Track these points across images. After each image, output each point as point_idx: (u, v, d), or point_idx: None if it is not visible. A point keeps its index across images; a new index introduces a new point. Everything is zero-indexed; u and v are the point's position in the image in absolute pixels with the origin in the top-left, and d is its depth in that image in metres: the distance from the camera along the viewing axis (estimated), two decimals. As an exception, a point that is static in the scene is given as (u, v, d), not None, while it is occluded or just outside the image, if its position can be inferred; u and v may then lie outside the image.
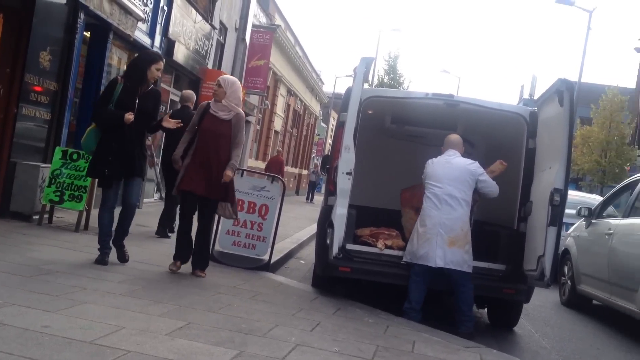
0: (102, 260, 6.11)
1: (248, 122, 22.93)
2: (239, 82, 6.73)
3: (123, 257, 6.34)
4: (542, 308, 8.54)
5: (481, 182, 6.31)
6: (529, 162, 6.65)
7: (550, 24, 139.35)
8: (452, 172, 6.22)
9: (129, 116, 5.96)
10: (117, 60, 11.96)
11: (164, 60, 6.47)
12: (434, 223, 6.08)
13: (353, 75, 6.79)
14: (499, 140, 7.63)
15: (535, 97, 7.81)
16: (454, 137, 6.60)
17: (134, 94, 6.08)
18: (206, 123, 6.28)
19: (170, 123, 6.23)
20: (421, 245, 6.09)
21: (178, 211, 6.85)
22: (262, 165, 25.39)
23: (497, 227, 7.09)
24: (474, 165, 6.34)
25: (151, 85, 6.28)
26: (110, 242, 6.22)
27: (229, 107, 6.30)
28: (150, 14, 12.03)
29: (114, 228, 6.26)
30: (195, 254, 6.45)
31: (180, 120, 6.35)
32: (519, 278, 6.30)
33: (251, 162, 23.84)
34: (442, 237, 6.01)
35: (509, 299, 6.60)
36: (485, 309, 7.50)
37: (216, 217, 7.60)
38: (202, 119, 6.32)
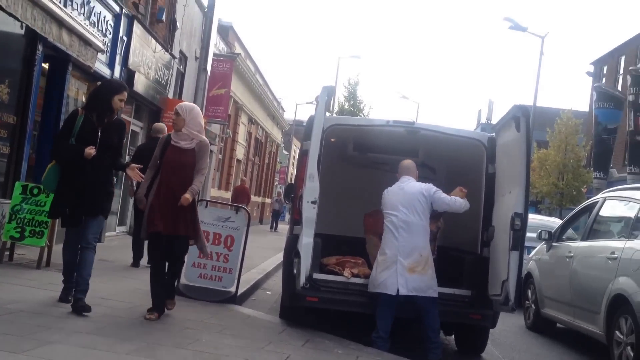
0: (65, 297, 5.87)
1: (210, 151, 22.86)
2: (197, 108, 6.43)
3: (84, 307, 5.56)
4: (508, 332, 8.65)
5: (436, 200, 6.30)
6: (489, 186, 6.78)
7: (504, 50, 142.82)
8: (406, 199, 6.27)
9: (90, 150, 5.62)
10: (76, 92, 11.84)
11: (128, 89, 6.21)
12: (392, 251, 6.13)
13: (315, 104, 6.87)
14: (460, 165, 7.77)
15: (493, 121, 8.02)
16: (407, 163, 6.66)
17: (95, 126, 5.76)
18: (169, 155, 5.98)
19: (134, 173, 5.92)
20: (380, 274, 6.13)
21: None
22: (225, 194, 25.26)
23: (461, 253, 7.19)
24: (426, 186, 6.37)
25: (115, 116, 6.00)
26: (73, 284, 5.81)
27: (191, 135, 6.02)
28: (109, 44, 11.97)
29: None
30: (166, 290, 6.15)
31: (142, 166, 6.08)
32: (485, 303, 6.39)
33: (214, 192, 23.71)
34: (401, 264, 6.05)
35: (476, 325, 6.67)
36: (453, 336, 7.55)
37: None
38: (164, 152, 6.03)
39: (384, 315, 6.14)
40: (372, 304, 6.23)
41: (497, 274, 6.27)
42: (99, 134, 5.78)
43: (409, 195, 6.30)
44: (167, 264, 6.14)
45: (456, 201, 6.32)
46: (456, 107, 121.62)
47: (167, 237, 5.91)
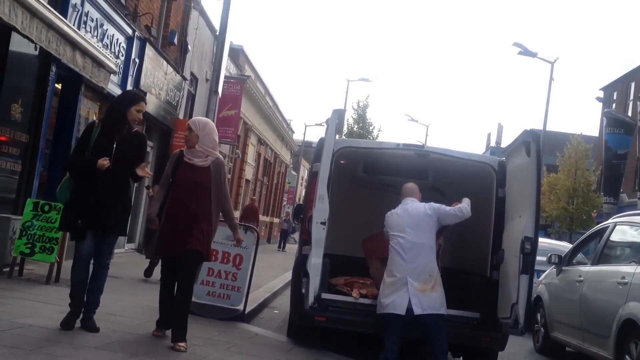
0: (66, 323, 5.36)
1: (219, 171, 22.93)
2: (212, 123, 6.02)
3: (93, 327, 5.49)
4: (516, 356, 8.59)
5: (443, 214, 6.24)
6: (499, 210, 6.79)
7: (514, 74, 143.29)
8: (412, 220, 6.21)
9: (103, 162, 5.35)
10: (88, 112, 11.98)
11: (145, 100, 5.92)
12: (402, 274, 6.06)
13: (325, 126, 6.92)
14: (469, 189, 7.76)
15: (502, 145, 8.07)
16: (410, 185, 6.60)
17: (111, 138, 5.51)
18: (181, 173, 5.60)
19: (144, 172, 5.66)
20: (389, 295, 6.08)
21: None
22: (235, 214, 25.30)
23: (470, 275, 7.17)
24: (429, 205, 6.32)
25: (134, 128, 5.69)
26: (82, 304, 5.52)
27: (205, 152, 5.62)
28: (122, 66, 12.14)
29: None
30: (175, 323, 5.54)
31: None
32: (494, 326, 6.36)
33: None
34: (412, 285, 5.99)
35: (485, 347, 6.64)
36: (461, 358, 7.51)
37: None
38: (176, 169, 5.65)
39: (392, 336, 6.10)
40: (380, 325, 6.21)
41: (506, 296, 6.25)
42: (114, 146, 5.52)
43: (414, 217, 6.27)
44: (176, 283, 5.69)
45: (461, 209, 6.30)
46: (465, 131, 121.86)
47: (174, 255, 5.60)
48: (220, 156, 5.83)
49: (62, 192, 5.67)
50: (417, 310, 5.93)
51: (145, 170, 5.69)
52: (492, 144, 45.95)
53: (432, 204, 6.36)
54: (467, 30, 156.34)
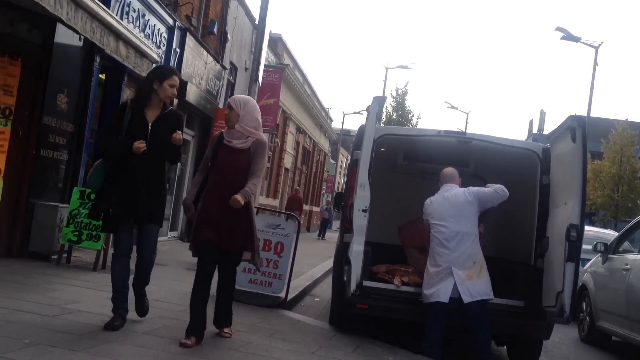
0: (111, 324, 5.00)
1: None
2: (254, 101, 5.52)
3: (142, 309, 5.43)
4: (561, 345, 8.48)
5: (483, 197, 6.23)
6: (543, 198, 6.69)
7: (557, 59, 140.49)
8: (453, 207, 6.21)
9: (139, 144, 4.91)
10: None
11: (179, 74, 5.46)
12: (446, 263, 6.03)
13: (366, 114, 6.90)
14: (512, 176, 7.67)
15: (545, 132, 7.92)
16: (449, 171, 6.58)
17: (144, 118, 5.06)
18: (220, 156, 5.18)
19: (178, 137, 5.05)
20: (434, 285, 6.06)
21: None
22: (273, 202, 25.47)
23: (514, 264, 7.09)
24: (468, 191, 6.30)
25: (168, 107, 5.25)
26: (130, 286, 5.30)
27: (245, 133, 5.17)
28: (163, 56, 12.26)
29: (131, 281, 5.31)
30: (220, 310, 5.43)
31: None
32: (538, 314, 6.28)
33: (262, 200, 23.92)
34: (458, 274, 5.97)
35: (529, 336, 6.57)
36: (505, 347, 7.45)
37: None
38: (216, 153, 5.24)
39: (435, 325, 6.08)
40: (422, 313, 6.19)
41: (551, 285, 6.17)
42: (149, 127, 5.07)
43: (455, 204, 6.23)
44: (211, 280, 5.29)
45: (498, 189, 6.24)
46: (506, 118, 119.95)
47: (217, 248, 5.14)
48: (264, 136, 5.35)
49: (92, 178, 5.21)
50: (466, 298, 5.88)
51: (180, 135, 5.06)
52: (535, 130, 45.20)
53: (472, 188, 6.34)
54: (508, 15, 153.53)
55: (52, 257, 8.31)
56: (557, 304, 5.94)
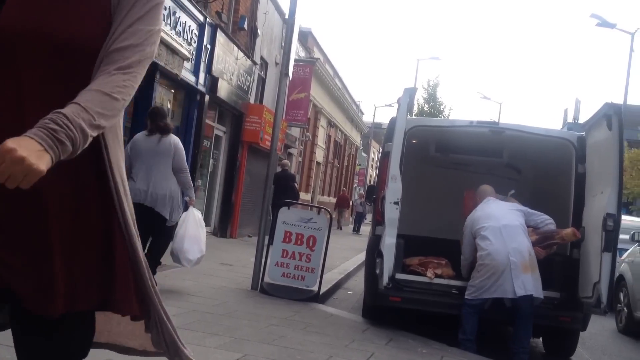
0: None
1: (290, 154, 23.20)
2: None
3: None
4: (598, 336, 8.35)
5: (533, 217, 6.30)
6: (579, 187, 6.59)
7: (591, 47, 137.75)
8: (500, 208, 6.22)
9: None
10: (163, 99, 12.28)
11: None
12: (501, 254, 5.87)
13: (397, 106, 6.87)
14: (547, 166, 7.57)
15: (580, 121, 7.76)
16: (486, 188, 6.61)
17: None
18: None
19: None
20: (490, 278, 5.90)
21: None
22: (305, 196, 25.56)
23: (550, 254, 6.99)
24: (513, 204, 6.42)
25: None
26: None
27: None
28: (194, 52, 12.37)
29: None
30: None
31: None
32: (575, 305, 6.20)
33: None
34: (515, 265, 5.84)
35: (565, 327, 6.48)
36: (540, 339, 7.36)
37: (264, 248, 7.72)
38: None
39: (472, 317, 6.00)
40: (457, 305, 6.15)
41: (588, 275, 6.07)
42: None
43: (502, 205, 6.29)
44: None
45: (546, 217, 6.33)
46: (540, 108, 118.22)
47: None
48: None
49: None
50: (519, 292, 5.77)
51: None
52: (569, 119, 44.43)
53: (517, 204, 6.44)
54: (542, 3, 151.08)
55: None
56: (594, 295, 5.85)
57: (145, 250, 6.17)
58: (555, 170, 7.16)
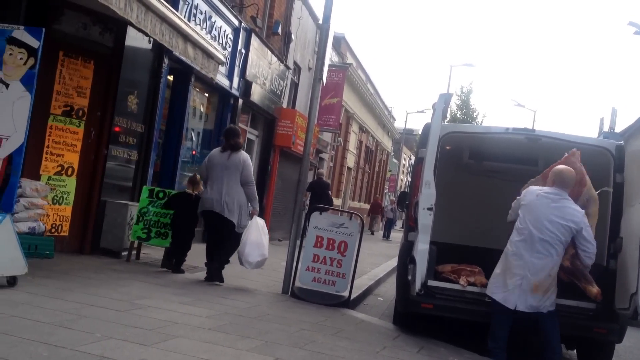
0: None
1: (322, 159, 23.22)
2: None
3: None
4: (634, 349, 8.18)
5: (580, 240, 5.74)
6: (617, 197, 6.46)
7: (629, 55, 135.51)
8: (555, 219, 5.72)
9: None
10: (197, 102, 12.40)
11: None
12: (522, 266, 5.72)
13: (431, 112, 6.82)
14: (584, 175, 7.44)
15: (616, 130, 7.65)
16: (568, 174, 5.97)
17: None
18: None
19: None
20: (503, 285, 5.84)
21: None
22: (335, 201, 25.55)
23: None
24: (579, 216, 5.78)
25: None
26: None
27: None
28: (229, 57, 12.46)
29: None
30: None
31: None
32: (611, 317, 6.07)
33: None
34: (528, 280, 5.71)
35: (600, 339, 6.35)
36: (575, 351, 7.23)
37: (296, 253, 7.74)
38: None
39: (501, 324, 5.93)
40: (489, 313, 6.06)
41: (625, 286, 5.94)
42: None
43: (558, 219, 5.72)
44: None
45: (593, 251, 5.77)
46: (575, 116, 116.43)
47: None
48: None
49: None
50: (520, 307, 5.63)
51: None
52: (606, 129, 43.68)
53: (583, 216, 5.80)
54: (578, 11, 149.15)
55: (123, 253, 8.55)
56: (631, 306, 5.71)
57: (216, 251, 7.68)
58: (592, 179, 7.03)
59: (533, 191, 5.98)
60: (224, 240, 7.69)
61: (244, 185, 7.62)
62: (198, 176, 8.41)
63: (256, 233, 7.72)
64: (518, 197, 6.15)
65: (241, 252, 7.65)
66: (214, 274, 7.64)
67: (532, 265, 5.71)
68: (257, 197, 7.95)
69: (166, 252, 8.39)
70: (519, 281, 5.72)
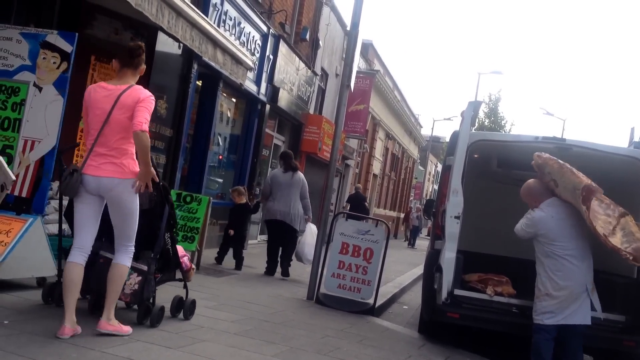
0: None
1: (348, 165, 23.20)
2: None
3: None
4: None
5: None
6: (648, 207, 6.35)
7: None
8: (570, 228, 5.69)
9: None
10: (225, 108, 12.49)
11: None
12: (579, 282, 5.56)
13: (460, 119, 6.78)
14: (614, 184, 7.31)
15: (648, 140, 7.57)
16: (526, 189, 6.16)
17: None
18: None
19: None
20: (563, 303, 5.54)
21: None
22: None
23: (615, 276, 6.76)
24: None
25: None
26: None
27: None
28: (257, 62, 12.54)
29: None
30: None
31: None
32: (640, 330, 5.96)
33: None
34: (588, 291, 5.62)
35: (629, 352, 6.24)
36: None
37: (321, 258, 7.73)
38: None
39: (549, 345, 5.52)
40: (517, 324, 5.96)
41: (655, 299, 5.84)
42: None
43: (570, 224, 5.71)
44: None
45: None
46: (605, 125, 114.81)
47: None
48: None
49: None
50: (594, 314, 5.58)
51: None
52: (636, 138, 43.06)
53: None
54: (608, 19, 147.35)
55: (150, 256, 8.60)
56: (662, 320, 5.61)
57: (280, 252, 9.45)
58: (622, 189, 6.92)
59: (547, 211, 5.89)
60: (287, 244, 9.38)
61: (302, 199, 9.43)
62: (241, 188, 10.19)
63: (311, 237, 9.27)
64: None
65: (300, 251, 9.35)
66: (284, 271, 9.34)
67: (587, 278, 5.64)
68: (310, 207, 9.64)
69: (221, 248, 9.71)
70: (583, 294, 5.55)
